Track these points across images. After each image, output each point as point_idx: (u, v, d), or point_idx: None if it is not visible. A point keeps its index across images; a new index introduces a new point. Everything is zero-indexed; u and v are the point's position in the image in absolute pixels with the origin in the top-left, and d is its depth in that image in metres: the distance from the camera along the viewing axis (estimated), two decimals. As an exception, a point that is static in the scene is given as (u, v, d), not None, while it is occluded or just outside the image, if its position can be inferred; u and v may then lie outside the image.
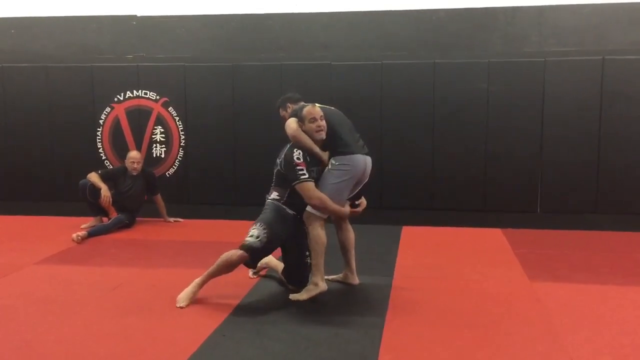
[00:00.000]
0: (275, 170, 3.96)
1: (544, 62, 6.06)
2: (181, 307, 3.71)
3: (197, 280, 3.86)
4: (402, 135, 6.32)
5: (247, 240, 3.75)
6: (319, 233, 3.87)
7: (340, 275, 4.26)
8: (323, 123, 3.86)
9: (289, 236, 3.91)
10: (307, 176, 3.75)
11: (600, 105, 5.99)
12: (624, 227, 5.95)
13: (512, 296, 3.97)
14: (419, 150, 6.32)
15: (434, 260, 4.93)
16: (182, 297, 3.79)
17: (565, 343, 3.17)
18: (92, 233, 5.73)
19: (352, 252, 4.23)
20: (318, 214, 3.89)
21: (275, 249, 3.94)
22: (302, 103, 4.12)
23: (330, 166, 3.93)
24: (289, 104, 4.27)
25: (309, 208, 3.89)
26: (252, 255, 3.74)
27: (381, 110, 6.33)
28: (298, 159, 3.78)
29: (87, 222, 6.15)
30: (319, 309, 3.73)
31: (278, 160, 3.92)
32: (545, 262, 4.84)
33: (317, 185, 3.85)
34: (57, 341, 3.21)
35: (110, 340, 3.22)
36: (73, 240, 5.49)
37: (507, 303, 3.83)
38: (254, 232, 3.77)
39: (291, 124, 3.91)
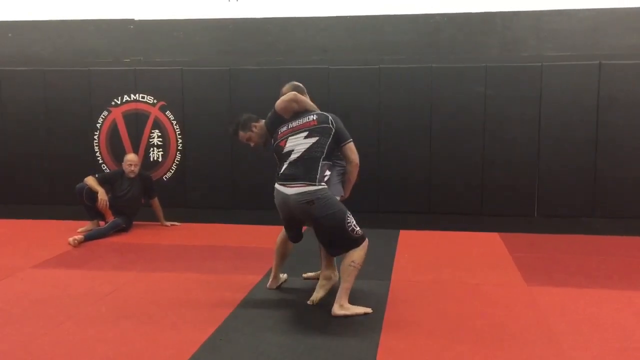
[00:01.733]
0: (322, 139, 3.72)
1: (540, 66, 6.08)
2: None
3: (346, 300, 3.72)
4: (399, 139, 6.33)
5: (358, 233, 3.67)
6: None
7: (319, 272, 4.27)
8: None
9: None
10: None
11: (597, 110, 6.01)
12: (620, 232, 5.96)
13: (509, 300, 3.97)
14: (417, 154, 6.32)
15: (432, 264, 4.93)
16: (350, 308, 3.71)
17: (563, 346, 3.17)
18: (89, 237, 5.72)
19: None
20: None
21: None
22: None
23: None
24: (253, 124, 4.16)
25: None
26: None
27: (379, 114, 6.34)
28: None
29: (83, 226, 6.14)
30: (316, 313, 3.72)
31: (327, 125, 3.76)
32: (542, 266, 4.85)
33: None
34: (53, 345, 3.20)
35: (107, 344, 3.21)
36: (70, 244, 5.48)
37: (504, 307, 3.83)
38: (352, 222, 3.65)
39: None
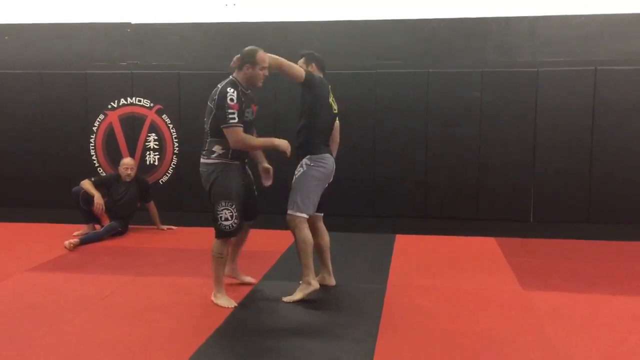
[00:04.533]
0: (207, 117, 3.83)
1: (536, 72, 6.10)
2: (235, 306, 3.88)
3: (214, 290, 3.98)
4: (395, 143, 6.34)
5: (222, 226, 3.80)
6: (305, 234, 3.99)
7: (317, 278, 4.29)
8: (267, 73, 3.88)
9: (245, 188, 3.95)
10: (236, 121, 3.66)
11: (593, 115, 6.03)
12: (615, 237, 5.97)
13: (505, 304, 3.98)
14: (413, 159, 6.33)
15: (428, 269, 4.93)
16: (223, 303, 3.89)
17: (558, 351, 3.18)
18: (85, 240, 5.70)
19: (328, 254, 4.34)
20: (302, 215, 3.97)
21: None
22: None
23: (304, 167, 4.02)
24: (313, 63, 4.22)
25: (290, 211, 4.00)
26: (234, 234, 3.88)
27: (375, 119, 6.35)
28: (232, 100, 3.66)
29: (79, 230, 6.12)
30: (312, 317, 3.72)
31: (210, 104, 3.81)
32: (538, 271, 4.86)
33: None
34: (48, 349, 3.19)
35: (103, 347, 3.20)
36: (65, 247, 5.46)
37: (500, 311, 3.84)
38: (223, 214, 3.78)
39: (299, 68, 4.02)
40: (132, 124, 6.77)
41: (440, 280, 4.60)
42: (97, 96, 6.78)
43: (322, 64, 4.26)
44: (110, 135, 6.81)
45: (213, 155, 3.83)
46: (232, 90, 3.69)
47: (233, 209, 3.79)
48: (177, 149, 6.73)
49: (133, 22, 6.86)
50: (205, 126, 3.87)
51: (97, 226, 6.17)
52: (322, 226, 4.27)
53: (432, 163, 6.31)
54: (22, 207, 6.90)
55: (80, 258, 5.25)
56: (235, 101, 3.67)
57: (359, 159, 6.26)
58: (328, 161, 4.10)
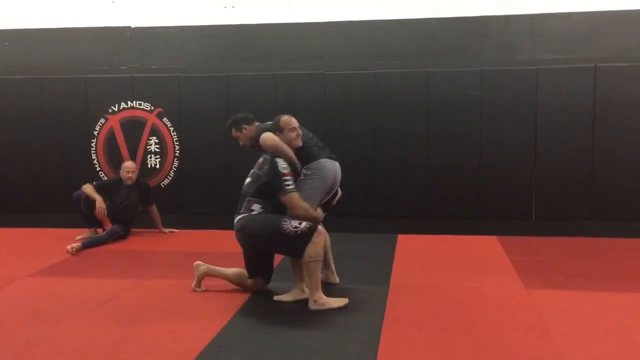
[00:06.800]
0: (254, 182, 4.00)
1: (536, 70, 6.10)
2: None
3: (315, 296, 3.85)
4: (396, 143, 6.34)
5: (303, 231, 3.74)
6: None
7: (321, 276, 4.30)
8: (300, 130, 4.06)
9: None
10: (293, 187, 3.85)
11: (593, 112, 6.03)
12: (617, 234, 5.97)
13: (507, 303, 3.97)
14: (414, 159, 6.33)
15: (430, 268, 4.93)
16: (334, 303, 3.85)
17: (561, 349, 3.17)
18: (87, 245, 5.71)
19: (330, 253, 4.37)
20: None
21: None
22: (258, 123, 4.36)
23: (302, 176, 4.11)
24: (244, 125, 4.36)
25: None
26: (316, 225, 3.82)
27: (375, 118, 6.35)
28: (285, 169, 3.88)
29: (81, 234, 6.13)
30: (315, 318, 3.72)
31: (259, 171, 3.98)
32: (540, 269, 4.85)
33: None
34: (50, 353, 3.19)
35: (105, 352, 3.20)
36: (67, 252, 5.47)
37: (503, 310, 3.83)
38: (291, 226, 3.76)
39: (270, 136, 4.03)
40: (133, 128, 6.78)
41: (442, 279, 4.60)
42: (97, 100, 6.79)
43: (248, 119, 4.40)
44: (111, 139, 6.82)
45: (251, 213, 3.96)
46: (282, 161, 3.92)
47: (292, 218, 3.81)
48: (178, 152, 6.74)
49: (132, 25, 6.87)
50: (246, 188, 4.04)
51: (100, 230, 6.18)
52: (321, 227, 4.28)
53: (432, 162, 6.31)
54: (24, 212, 6.91)
55: (82, 262, 5.26)
56: (288, 169, 3.89)
57: (358, 159, 6.27)
58: (328, 166, 4.15)
